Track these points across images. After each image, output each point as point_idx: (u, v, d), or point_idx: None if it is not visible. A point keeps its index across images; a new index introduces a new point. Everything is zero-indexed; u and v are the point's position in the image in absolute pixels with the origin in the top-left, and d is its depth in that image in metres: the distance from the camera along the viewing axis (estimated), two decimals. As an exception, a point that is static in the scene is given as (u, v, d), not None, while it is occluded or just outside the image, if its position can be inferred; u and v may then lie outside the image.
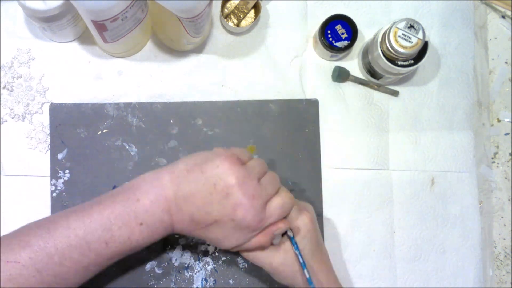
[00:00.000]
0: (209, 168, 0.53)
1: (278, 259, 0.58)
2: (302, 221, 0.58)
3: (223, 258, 0.71)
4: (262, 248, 0.57)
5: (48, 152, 0.72)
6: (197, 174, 0.53)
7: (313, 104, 0.74)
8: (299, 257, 0.57)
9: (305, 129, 0.74)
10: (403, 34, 0.67)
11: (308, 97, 0.75)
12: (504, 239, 0.77)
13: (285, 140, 0.74)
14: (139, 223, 0.53)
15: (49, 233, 0.52)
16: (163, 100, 0.73)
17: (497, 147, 0.79)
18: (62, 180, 0.70)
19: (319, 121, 0.74)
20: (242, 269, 0.71)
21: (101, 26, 0.61)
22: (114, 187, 0.71)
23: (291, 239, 0.58)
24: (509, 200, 0.78)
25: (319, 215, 0.73)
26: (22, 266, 0.50)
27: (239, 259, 0.71)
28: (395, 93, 0.76)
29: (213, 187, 0.53)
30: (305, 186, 0.73)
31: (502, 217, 0.78)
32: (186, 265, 0.70)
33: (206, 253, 0.71)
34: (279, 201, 0.55)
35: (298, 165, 0.73)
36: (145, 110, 0.72)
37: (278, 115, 0.74)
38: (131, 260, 0.70)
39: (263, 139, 0.74)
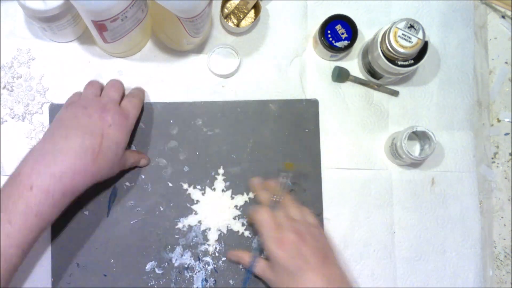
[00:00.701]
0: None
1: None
2: (270, 245, 0.61)
3: (223, 258, 0.71)
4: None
5: (48, 152, 0.72)
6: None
7: (313, 104, 0.74)
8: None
9: (305, 129, 0.74)
10: (403, 34, 0.67)
11: (308, 97, 0.75)
12: (504, 239, 0.77)
13: (285, 140, 0.74)
14: (29, 187, 0.55)
15: None
16: (163, 100, 0.73)
17: (497, 147, 0.79)
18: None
19: (319, 121, 0.74)
20: (242, 269, 0.71)
21: (101, 26, 0.60)
22: (115, 188, 0.71)
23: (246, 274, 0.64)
24: (509, 200, 0.78)
25: (319, 215, 0.73)
26: None
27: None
28: (395, 93, 0.76)
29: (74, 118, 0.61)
30: (305, 186, 0.73)
31: (502, 217, 0.78)
32: (186, 266, 0.70)
33: (206, 253, 0.71)
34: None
35: (298, 165, 0.73)
36: (145, 110, 0.72)
37: (278, 115, 0.74)
38: (131, 260, 0.70)
39: (263, 139, 0.73)
